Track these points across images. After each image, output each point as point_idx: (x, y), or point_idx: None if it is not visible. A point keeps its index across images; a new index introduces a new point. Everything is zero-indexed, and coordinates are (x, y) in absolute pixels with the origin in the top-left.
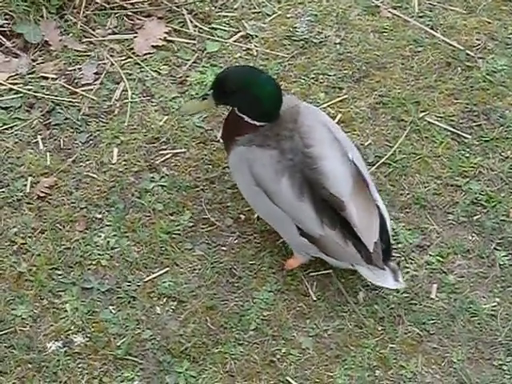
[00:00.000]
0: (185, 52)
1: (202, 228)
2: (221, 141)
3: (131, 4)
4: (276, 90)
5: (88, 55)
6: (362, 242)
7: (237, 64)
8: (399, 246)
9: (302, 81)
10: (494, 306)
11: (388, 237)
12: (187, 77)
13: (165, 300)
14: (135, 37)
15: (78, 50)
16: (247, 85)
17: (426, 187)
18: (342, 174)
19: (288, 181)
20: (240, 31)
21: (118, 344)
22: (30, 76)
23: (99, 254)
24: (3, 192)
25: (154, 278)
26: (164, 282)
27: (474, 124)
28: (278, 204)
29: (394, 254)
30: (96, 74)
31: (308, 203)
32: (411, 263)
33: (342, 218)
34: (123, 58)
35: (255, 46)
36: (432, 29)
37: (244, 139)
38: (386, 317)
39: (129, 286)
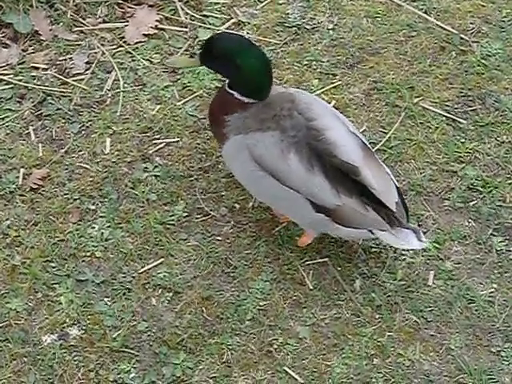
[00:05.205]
0: (176, 40)
1: (197, 218)
2: (208, 123)
3: None
4: (263, 66)
5: (79, 45)
6: (381, 205)
7: (236, 33)
8: None
9: (295, 68)
10: (492, 292)
11: (403, 199)
12: None
13: (160, 291)
14: (126, 25)
15: (68, 40)
16: (233, 54)
17: (421, 173)
18: (350, 142)
19: (296, 156)
20: (232, 18)
21: (114, 336)
22: (20, 66)
23: (93, 246)
24: None
25: (149, 269)
26: (159, 273)
27: (469, 109)
28: (287, 183)
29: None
30: (87, 63)
31: (320, 175)
32: (408, 250)
33: (357, 185)
34: (114, 47)
35: (247, 33)
36: (426, 13)
37: (236, 122)
38: (383, 305)
39: (124, 277)
